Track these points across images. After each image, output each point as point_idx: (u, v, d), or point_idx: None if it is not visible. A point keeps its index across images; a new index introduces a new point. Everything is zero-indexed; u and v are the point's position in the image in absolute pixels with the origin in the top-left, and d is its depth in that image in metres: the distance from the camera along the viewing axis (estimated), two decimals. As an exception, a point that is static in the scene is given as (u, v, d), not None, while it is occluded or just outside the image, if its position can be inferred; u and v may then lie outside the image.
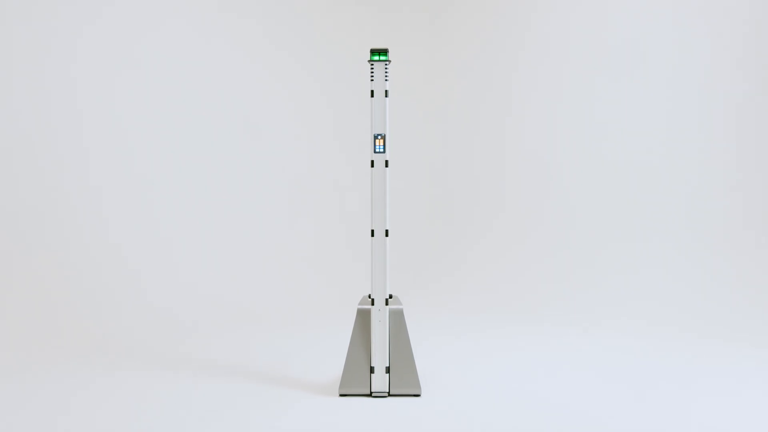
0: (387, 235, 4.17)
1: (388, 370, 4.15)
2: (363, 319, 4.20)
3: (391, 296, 4.21)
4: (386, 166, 4.14)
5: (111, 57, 6.05)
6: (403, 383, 4.14)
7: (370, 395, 4.15)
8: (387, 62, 4.12)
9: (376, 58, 4.11)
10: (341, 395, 4.16)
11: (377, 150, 4.13)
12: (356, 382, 4.15)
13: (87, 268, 5.80)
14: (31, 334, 5.24)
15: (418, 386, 4.15)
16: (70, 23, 5.88)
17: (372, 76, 4.12)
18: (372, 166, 4.14)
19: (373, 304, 4.18)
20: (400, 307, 4.21)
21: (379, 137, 4.12)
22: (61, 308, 5.54)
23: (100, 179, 6.00)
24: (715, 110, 6.05)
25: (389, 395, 4.15)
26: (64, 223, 5.80)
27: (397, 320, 4.18)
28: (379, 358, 4.15)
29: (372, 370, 4.15)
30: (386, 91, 4.12)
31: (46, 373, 4.59)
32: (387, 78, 4.12)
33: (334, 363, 4.63)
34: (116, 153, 6.09)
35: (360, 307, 4.23)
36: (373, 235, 4.17)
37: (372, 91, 4.12)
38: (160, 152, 6.28)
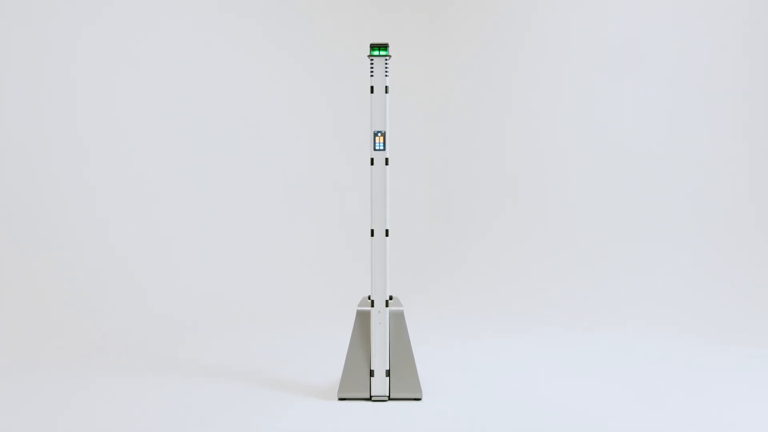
0: (387, 234, 3.97)
1: (388, 373, 3.95)
2: (362, 321, 4.01)
3: (391, 297, 4.02)
4: (386, 164, 3.94)
5: (111, 57, 5.96)
6: (404, 387, 3.95)
7: (369, 399, 3.96)
8: (387, 57, 3.91)
9: (375, 53, 3.90)
10: (340, 399, 3.97)
11: (377, 147, 3.93)
12: (355, 386, 3.95)
13: (86, 269, 5.70)
14: (30, 335, 5.14)
15: (419, 390, 3.96)
16: (70, 23, 5.79)
17: (372, 72, 3.92)
18: (372, 164, 3.95)
19: (372, 305, 3.99)
20: (401, 308, 4.02)
21: (379, 134, 3.93)
22: (61, 309, 5.44)
23: (100, 179, 5.91)
24: (716, 110, 5.96)
25: (389, 399, 3.96)
26: (63, 224, 5.71)
27: (398, 322, 3.98)
28: (379, 360, 3.96)
29: (372, 373, 3.96)
30: (386, 87, 3.92)
31: (46, 374, 4.47)
32: (387, 73, 3.92)
33: (333, 365, 4.46)
34: (116, 153, 5.99)
35: (359, 308, 4.04)
36: (372, 234, 3.97)
37: (372, 87, 3.92)
38: (159, 152, 6.18)
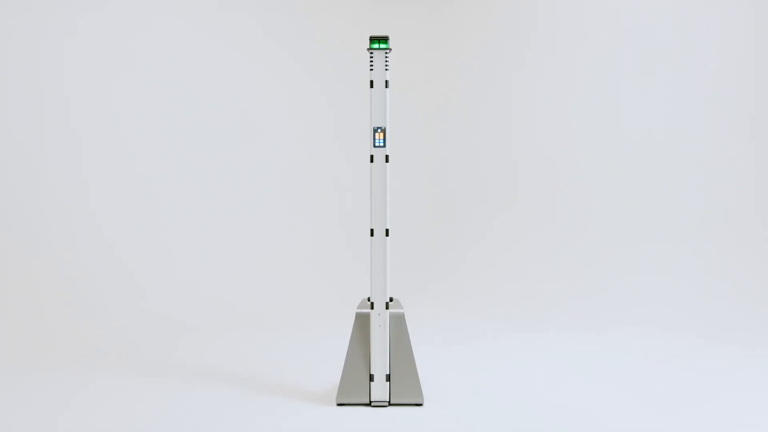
0: (387, 234, 3.71)
1: (388, 377, 3.71)
2: (362, 323, 3.75)
3: (391, 299, 3.76)
4: (386, 161, 3.68)
5: (110, 57, 5.81)
6: (405, 392, 3.71)
7: (369, 404, 3.72)
8: (387, 50, 3.65)
9: (375, 46, 3.63)
10: (339, 404, 3.73)
11: (377, 144, 3.67)
12: (355, 391, 3.71)
13: (86, 269, 5.57)
14: (30, 336, 5.02)
15: (420, 395, 3.71)
16: (68, 23, 5.65)
17: (371, 66, 3.65)
18: (372, 161, 3.67)
19: (372, 307, 3.72)
20: (401, 311, 3.76)
21: (379, 130, 3.66)
22: (60, 309, 5.31)
23: (99, 179, 5.77)
24: (716, 110, 5.81)
25: (390, 404, 3.73)
26: (62, 224, 5.58)
27: (398, 325, 3.73)
28: (379, 365, 3.70)
29: (371, 377, 3.71)
30: (386, 81, 3.65)
31: (46, 374, 4.34)
32: (387, 67, 3.66)
33: (332, 368, 4.24)
34: (115, 153, 5.85)
35: (359, 311, 3.78)
36: (372, 234, 3.70)
37: (371, 82, 3.65)
38: (159, 152, 6.02)
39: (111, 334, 5.13)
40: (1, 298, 5.20)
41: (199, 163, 6.16)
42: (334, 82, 6.75)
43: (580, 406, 3.74)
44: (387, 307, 3.71)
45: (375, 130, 3.65)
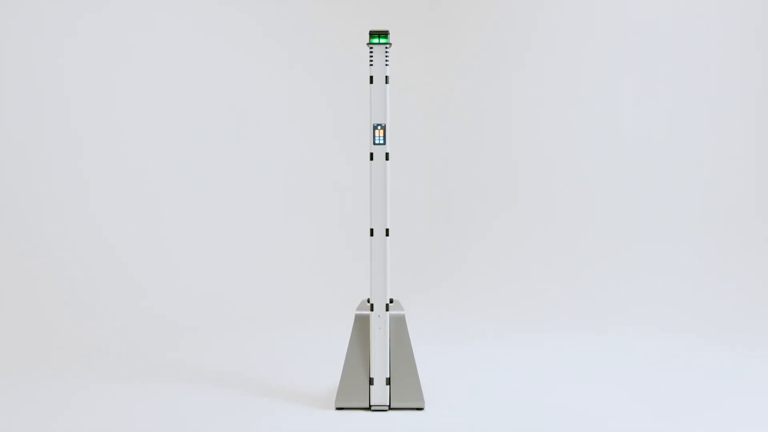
0: (387, 234, 3.53)
1: (388, 381, 3.54)
2: (361, 325, 3.58)
3: (391, 301, 3.58)
4: (386, 159, 3.49)
5: (110, 56, 5.70)
6: (405, 395, 3.54)
7: (369, 409, 3.56)
8: (387, 45, 3.46)
9: (375, 40, 3.45)
10: (338, 408, 3.57)
11: (377, 141, 3.48)
12: (354, 395, 3.54)
13: (85, 270, 5.45)
14: (29, 336, 4.93)
15: (421, 399, 3.55)
16: (68, 23, 5.54)
17: (371, 61, 3.46)
18: (371, 159, 3.50)
19: (372, 309, 3.55)
20: (402, 312, 3.59)
21: (379, 127, 3.48)
22: (60, 309, 5.21)
23: (99, 179, 5.66)
24: (716, 110, 5.69)
25: (390, 409, 3.56)
26: (62, 225, 5.47)
27: (399, 327, 3.56)
28: (379, 368, 3.53)
29: (371, 381, 3.54)
30: (387, 77, 3.47)
31: (45, 375, 4.25)
32: (387, 63, 3.47)
33: (331, 371, 4.07)
34: (115, 153, 5.73)
35: (358, 312, 3.60)
36: (372, 234, 3.53)
37: (371, 77, 3.47)
38: (159, 152, 5.90)
39: (111, 334, 5.02)
40: (1, 298, 5.08)
41: (199, 162, 6.05)
42: (334, 82, 6.63)
43: (580, 406, 3.62)
44: (387, 309, 3.54)
45: (375, 127, 3.47)
